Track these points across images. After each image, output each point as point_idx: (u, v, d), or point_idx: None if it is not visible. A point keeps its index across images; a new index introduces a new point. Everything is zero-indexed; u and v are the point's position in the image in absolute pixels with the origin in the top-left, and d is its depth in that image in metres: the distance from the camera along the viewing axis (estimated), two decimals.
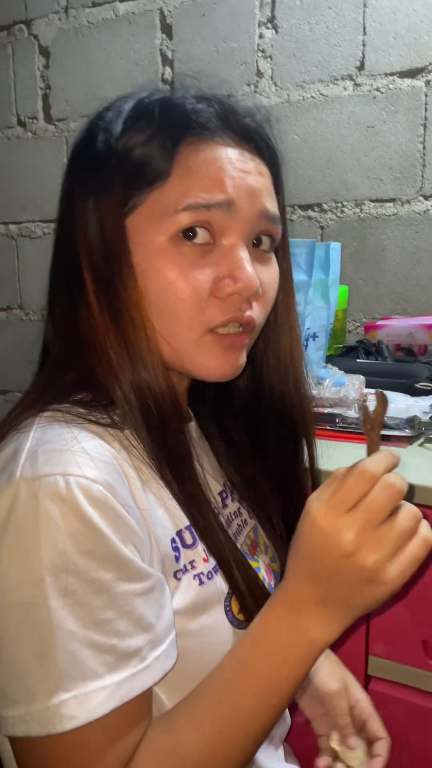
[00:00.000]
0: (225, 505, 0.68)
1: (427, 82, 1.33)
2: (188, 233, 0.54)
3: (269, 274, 0.60)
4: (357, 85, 1.40)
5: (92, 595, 0.45)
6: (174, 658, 0.50)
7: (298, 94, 1.46)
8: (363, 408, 0.51)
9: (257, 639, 0.50)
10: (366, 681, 0.88)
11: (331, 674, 0.76)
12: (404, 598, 0.82)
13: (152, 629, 0.48)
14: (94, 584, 0.45)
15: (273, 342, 0.66)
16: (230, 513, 0.68)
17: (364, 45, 1.38)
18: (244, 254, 0.55)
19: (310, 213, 1.49)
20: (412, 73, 1.34)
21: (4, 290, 2.03)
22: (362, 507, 0.45)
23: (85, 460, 0.48)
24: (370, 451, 0.50)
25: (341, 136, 1.43)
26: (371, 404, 0.51)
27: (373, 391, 1.04)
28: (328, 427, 0.97)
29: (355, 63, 1.39)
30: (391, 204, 1.41)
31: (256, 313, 0.58)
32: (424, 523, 0.48)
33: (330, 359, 1.18)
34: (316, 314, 1.13)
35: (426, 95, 1.34)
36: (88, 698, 0.44)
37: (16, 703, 0.45)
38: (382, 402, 0.51)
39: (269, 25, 1.47)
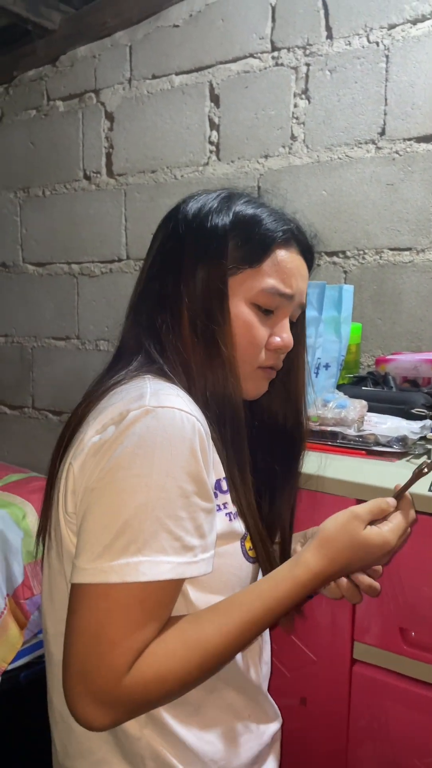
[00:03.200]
0: None
1: None
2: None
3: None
4: (378, 148, 1.58)
5: (177, 497, 0.64)
6: (210, 568, 0.69)
7: (327, 155, 1.65)
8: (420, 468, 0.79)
9: (281, 593, 0.70)
10: (351, 664, 1.00)
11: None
12: (385, 589, 0.95)
13: (205, 538, 0.67)
14: (181, 490, 0.65)
15: (288, 384, 0.90)
16: None
17: (385, 114, 1.56)
18: (287, 324, 0.82)
19: (335, 259, 1.66)
20: (427, 139, 1.51)
21: (64, 322, 2.27)
22: (403, 537, 0.75)
23: (189, 405, 0.69)
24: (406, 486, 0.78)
25: (364, 192, 1.60)
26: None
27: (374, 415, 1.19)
28: (330, 443, 1.12)
29: (377, 129, 1.58)
30: (407, 252, 1.56)
31: (282, 360, 0.85)
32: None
33: (342, 387, 1.32)
34: (328, 347, 1.29)
35: None
36: (158, 565, 0.63)
37: (100, 558, 0.62)
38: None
39: (303, 96, 1.68)
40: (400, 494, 0.77)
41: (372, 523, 0.74)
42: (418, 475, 0.78)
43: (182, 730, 0.73)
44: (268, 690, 0.87)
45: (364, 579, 0.78)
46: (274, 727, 0.85)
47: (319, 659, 1.02)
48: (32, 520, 1.86)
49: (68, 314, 2.26)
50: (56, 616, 0.74)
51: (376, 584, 0.78)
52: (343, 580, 0.78)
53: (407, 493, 0.78)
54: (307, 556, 0.71)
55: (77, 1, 2.09)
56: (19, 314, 2.41)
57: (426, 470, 0.79)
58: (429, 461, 0.80)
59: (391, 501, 0.76)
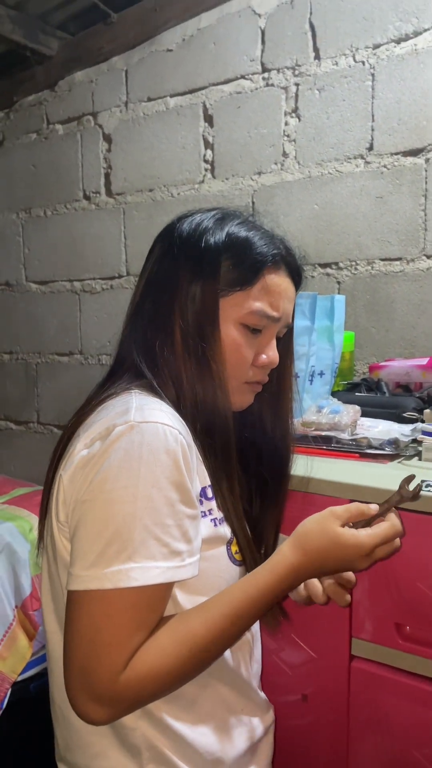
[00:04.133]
0: None
1: (427, 160, 1.55)
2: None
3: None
4: (367, 162, 1.63)
5: (163, 506, 0.68)
6: (197, 571, 0.73)
7: (318, 171, 1.71)
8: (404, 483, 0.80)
9: (260, 584, 0.73)
10: (350, 660, 1.03)
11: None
12: (380, 586, 0.98)
13: (191, 543, 0.71)
14: (167, 499, 0.69)
15: (277, 396, 0.93)
16: None
17: (372, 130, 1.62)
18: (273, 343, 0.86)
19: (328, 270, 1.71)
20: (413, 153, 1.57)
21: (67, 338, 2.32)
22: (385, 547, 0.75)
23: (172, 419, 0.73)
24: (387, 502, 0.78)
25: (354, 205, 1.66)
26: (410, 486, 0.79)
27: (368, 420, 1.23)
28: (325, 447, 1.16)
29: (365, 144, 1.63)
30: (398, 262, 1.61)
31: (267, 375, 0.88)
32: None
33: (336, 394, 1.36)
34: (321, 355, 1.33)
35: (426, 171, 1.55)
36: (148, 571, 0.67)
37: (93, 566, 0.66)
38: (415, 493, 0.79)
39: (293, 114, 1.74)
40: (384, 508, 0.78)
41: (355, 526, 0.77)
42: (402, 498, 0.79)
43: (177, 723, 0.76)
44: (270, 687, 0.90)
45: (330, 585, 0.83)
46: (267, 720, 0.88)
47: (319, 656, 1.06)
48: None
49: (71, 330, 2.31)
50: (59, 615, 0.78)
51: (346, 596, 0.83)
52: (312, 582, 0.82)
53: (394, 509, 0.79)
54: (284, 549, 0.75)
55: (74, 27, 2.17)
56: (23, 331, 2.46)
57: (409, 496, 0.79)
58: (411, 490, 0.80)
59: (373, 506, 0.78)
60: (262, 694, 0.90)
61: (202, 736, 0.78)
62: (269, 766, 0.88)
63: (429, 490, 0.94)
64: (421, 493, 0.93)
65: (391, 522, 0.76)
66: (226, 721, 0.81)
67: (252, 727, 0.85)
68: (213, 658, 0.73)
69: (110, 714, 0.67)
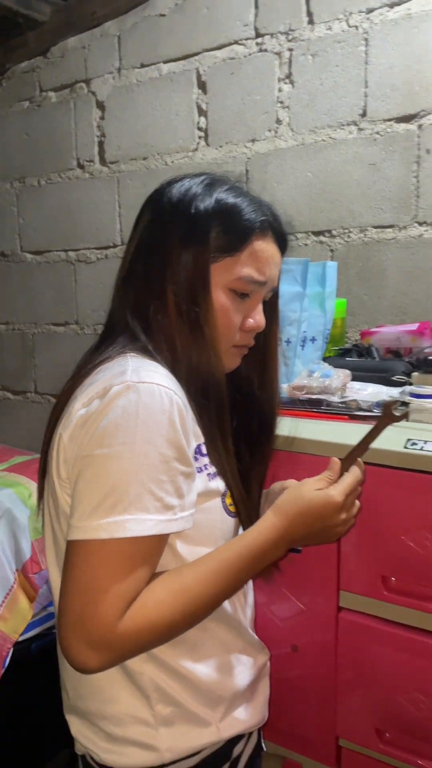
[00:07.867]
0: None
1: (420, 126, 1.55)
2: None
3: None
4: (360, 129, 1.63)
5: (158, 462, 0.72)
6: (190, 524, 0.76)
7: (311, 137, 1.71)
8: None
9: (248, 542, 0.79)
10: (338, 611, 1.07)
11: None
12: (367, 540, 1.02)
13: (184, 498, 0.75)
14: (161, 455, 0.72)
15: (264, 359, 0.96)
16: None
17: (365, 96, 1.62)
18: (260, 307, 0.89)
19: (322, 238, 1.72)
20: (406, 119, 1.57)
21: (63, 308, 2.33)
22: (352, 496, 0.82)
23: (167, 380, 0.76)
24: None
25: (347, 172, 1.66)
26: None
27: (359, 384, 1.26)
28: (315, 410, 1.19)
29: (358, 111, 1.63)
30: (390, 230, 1.63)
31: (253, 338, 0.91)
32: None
33: (328, 359, 1.39)
34: (313, 321, 1.36)
35: (419, 137, 1.56)
36: (143, 522, 0.70)
37: (91, 516, 0.70)
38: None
39: (287, 80, 1.73)
40: (373, 435, 0.86)
41: None
42: (385, 419, 0.86)
43: (180, 664, 0.81)
44: (262, 638, 0.94)
45: None
46: (262, 658, 0.93)
47: (308, 608, 1.10)
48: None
49: (67, 300, 2.32)
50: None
51: None
52: None
53: (359, 459, 0.86)
54: (268, 514, 0.81)
55: None
56: (19, 302, 2.47)
57: (397, 414, 0.86)
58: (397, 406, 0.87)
59: (336, 461, 0.84)
60: (257, 638, 0.94)
61: (205, 676, 0.83)
62: (266, 706, 0.93)
63: (403, 409, 1.03)
64: (406, 450, 0.97)
65: (353, 473, 0.83)
66: (226, 660, 0.86)
67: (249, 665, 0.89)
68: (206, 612, 0.77)
69: (103, 661, 0.70)
